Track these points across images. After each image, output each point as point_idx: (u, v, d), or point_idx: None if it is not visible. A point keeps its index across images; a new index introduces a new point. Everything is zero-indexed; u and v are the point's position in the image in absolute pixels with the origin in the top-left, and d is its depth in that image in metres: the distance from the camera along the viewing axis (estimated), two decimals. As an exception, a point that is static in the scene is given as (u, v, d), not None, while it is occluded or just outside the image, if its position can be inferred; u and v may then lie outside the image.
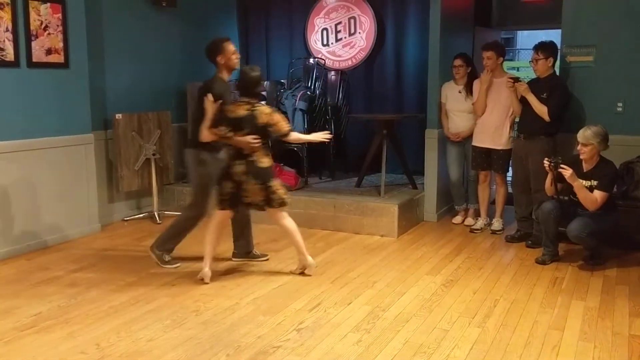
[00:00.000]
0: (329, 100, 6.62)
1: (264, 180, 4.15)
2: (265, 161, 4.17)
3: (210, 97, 4.18)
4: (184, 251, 4.68)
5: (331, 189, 6.13)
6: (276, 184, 4.20)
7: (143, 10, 6.10)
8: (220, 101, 4.19)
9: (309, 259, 4.41)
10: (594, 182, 4.46)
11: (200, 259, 4.34)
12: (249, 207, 4.32)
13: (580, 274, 4.46)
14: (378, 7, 6.79)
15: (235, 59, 4.39)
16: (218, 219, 4.29)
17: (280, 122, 4.15)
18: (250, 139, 4.06)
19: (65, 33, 5.12)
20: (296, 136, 4.38)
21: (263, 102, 4.16)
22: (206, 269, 4.25)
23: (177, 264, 4.56)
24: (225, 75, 4.38)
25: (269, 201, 4.20)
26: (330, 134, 4.48)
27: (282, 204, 4.23)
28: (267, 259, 4.76)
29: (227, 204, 4.22)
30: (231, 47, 4.37)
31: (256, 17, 7.47)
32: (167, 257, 4.56)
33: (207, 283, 4.21)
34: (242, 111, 4.09)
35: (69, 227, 5.30)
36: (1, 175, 4.73)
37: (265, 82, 6.77)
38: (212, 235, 4.29)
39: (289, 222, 4.34)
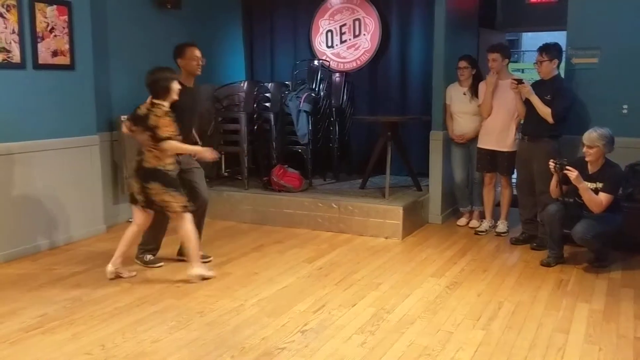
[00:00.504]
0: (333, 102, 6.62)
1: (143, 180, 4.17)
2: (151, 162, 4.14)
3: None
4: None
5: (335, 191, 6.14)
6: (155, 188, 4.13)
7: (148, 12, 6.12)
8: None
9: (198, 270, 4.32)
10: (599, 185, 4.45)
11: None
12: (131, 199, 4.30)
13: (585, 277, 4.45)
14: (383, 9, 6.80)
15: (195, 64, 4.42)
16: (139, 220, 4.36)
17: (162, 128, 4.04)
18: (144, 135, 4.10)
19: (71, 35, 5.14)
20: (174, 145, 4.11)
21: (165, 106, 4.11)
22: (110, 266, 4.32)
23: (160, 263, 4.62)
24: (185, 79, 4.40)
25: (149, 203, 4.21)
26: (220, 154, 4.39)
27: (162, 208, 4.20)
28: (160, 266, 4.66)
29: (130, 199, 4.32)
30: (193, 52, 4.40)
31: (261, 19, 7.48)
32: (148, 257, 4.61)
33: (111, 279, 4.27)
34: (143, 110, 4.15)
35: (74, 229, 5.31)
36: (7, 176, 4.75)
37: (270, 84, 6.78)
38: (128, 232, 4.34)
39: (183, 227, 4.24)
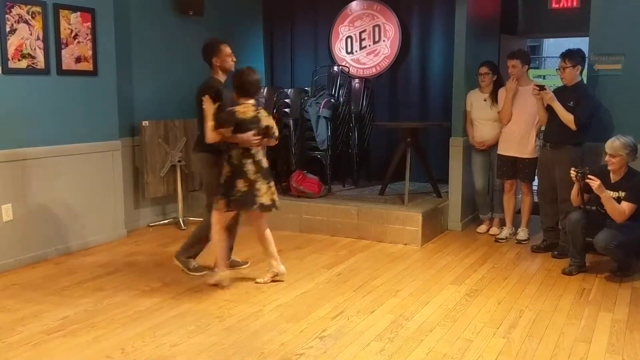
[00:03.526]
0: (352, 108, 6.62)
1: (269, 180, 4.21)
2: (266, 161, 4.24)
3: (207, 98, 4.19)
4: (204, 258, 4.72)
5: (355, 197, 6.13)
6: (273, 185, 4.26)
7: (170, 19, 6.19)
8: (219, 102, 4.21)
9: (281, 266, 4.40)
10: (622, 194, 4.39)
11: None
12: (261, 208, 4.23)
13: (608, 286, 4.39)
14: (403, 15, 6.79)
15: (231, 61, 4.43)
16: (224, 222, 4.29)
17: (275, 127, 4.27)
18: (251, 134, 4.09)
19: (94, 41, 5.22)
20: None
21: (257, 106, 4.23)
22: (226, 271, 4.30)
23: (203, 271, 4.55)
24: (220, 77, 4.42)
25: (274, 202, 4.23)
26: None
27: (272, 205, 4.25)
28: (247, 266, 4.73)
29: (238, 204, 4.19)
30: (227, 49, 4.41)
31: (281, 25, 7.52)
32: (192, 264, 4.59)
33: (225, 286, 4.23)
34: (250, 112, 4.14)
35: (95, 233, 5.37)
36: (30, 181, 4.82)
37: (290, 90, 6.81)
38: (223, 238, 4.30)
39: (267, 228, 4.34)
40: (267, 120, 4.20)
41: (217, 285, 4.26)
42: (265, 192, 4.18)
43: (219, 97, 4.21)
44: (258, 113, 4.17)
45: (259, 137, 4.14)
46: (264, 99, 6.60)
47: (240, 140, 4.11)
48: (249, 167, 4.13)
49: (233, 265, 4.66)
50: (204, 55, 4.44)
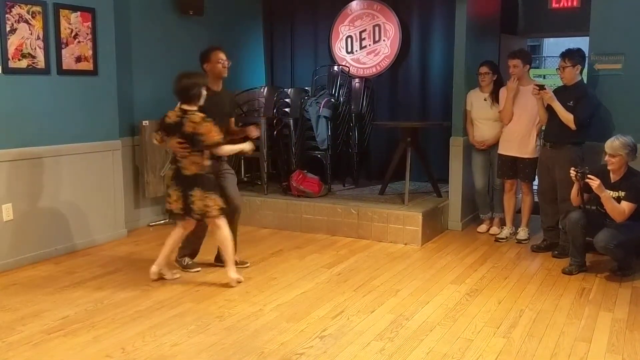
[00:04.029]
0: (353, 107, 6.63)
1: (184, 188, 4.14)
2: (191, 169, 4.14)
3: None
4: (200, 257, 4.73)
5: (355, 197, 6.13)
6: (197, 194, 4.13)
7: (170, 18, 6.19)
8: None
9: (234, 274, 4.33)
10: (622, 193, 4.39)
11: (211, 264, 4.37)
12: (169, 214, 4.27)
13: (608, 285, 4.39)
14: (403, 15, 6.79)
15: (221, 66, 4.43)
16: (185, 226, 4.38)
17: (209, 133, 4.04)
18: (174, 142, 4.10)
19: (94, 41, 5.22)
20: (227, 148, 4.23)
21: (194, 112, 4.09)
22: (154, 267, 4.38)
23: (197, 268, 4.62)
24: (212, 83, 4.43)
25: (188, 210, 4.18)
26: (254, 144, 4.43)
27: (202, 216, 4.19)
28: (198, 271, 4.67)
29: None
30: (218, 55, 4.42)
31: (281, 25, 7.52)
32: (186, 261, 4.63)
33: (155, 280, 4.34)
34: (174, 117, 4.13)
35: (95, 232, 5.37)
36: (31, 180, 4.82)
37: (290, 90, 6.81)
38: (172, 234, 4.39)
39: (221, 232, 4.28)
40: (193, 126, 4.03)
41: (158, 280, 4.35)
42: (176, 200, 4.17)
43: None
44: (182, 118, 4.07)
45: (182, 144, 4.08)
46: (264, 99, 6.61)
47: (170, 147, 4.19)
48: (169, 173, 4.24)
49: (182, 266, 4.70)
50: (199, 62, 4.51)
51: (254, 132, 4.51)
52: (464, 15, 5.67)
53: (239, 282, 4.33)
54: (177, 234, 4.39)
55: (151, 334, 3.49)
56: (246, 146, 4.38)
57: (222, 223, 4.26)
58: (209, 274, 4.56)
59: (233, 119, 4.79)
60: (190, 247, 4.67)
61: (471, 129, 5.75)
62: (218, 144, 4.11)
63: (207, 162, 4.20)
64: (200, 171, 4.16)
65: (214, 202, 4.18)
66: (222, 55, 4.45)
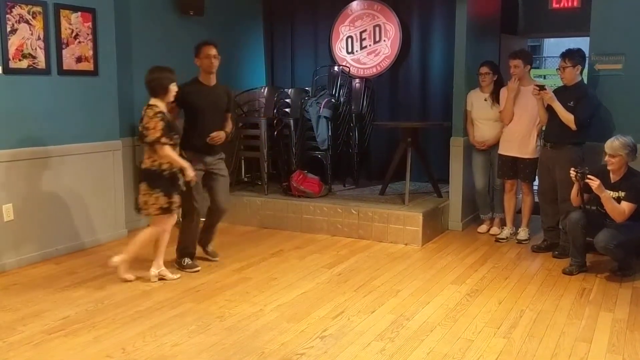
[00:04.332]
0: (353, 107, 6.63)
1: (140, 180, 4.25)
2: (145, 163, 4.21)
3: None
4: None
5: (355, 197, 6.13)
6: (142, 188, 4.20)
7: (171, 18, 6.19)
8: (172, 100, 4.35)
9: (153, 271, 4.39)
10: (622, 194, 4.39)
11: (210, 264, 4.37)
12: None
13: (609, 285, 4.39)
14: (403, 15, 6.79)
15: (208, 62, 4.47)
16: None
17: (149, 130, 4.08)
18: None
19: (95, 41, 5.22)
20: (166, 153, 4.13)
21: (158, 107, 4.14)
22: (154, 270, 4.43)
23: (197, 267, 4.66)
24: (203, 77, 4.53)
25: (137, 205, 4.28)
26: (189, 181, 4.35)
27: (139, 210, 4.27)
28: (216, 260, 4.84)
29: None
30: (207, 50, 4.46)
31: (282, 25, 7.52)
32: (185, 261, 4.66)
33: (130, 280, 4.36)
34: (143, 111, 4.21)
35: (96, 232, 5.38)
36: (31, 181, 4.82)
37: (290, 90, 6.81)
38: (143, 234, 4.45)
39: (145, 232, 4.35)
40: (146, 121, 4.11)
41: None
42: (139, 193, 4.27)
43: (176, 96, 4.34)
44: (144, 112, 4.18)
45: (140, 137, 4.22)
46: (265, 99, 6.61)
47: None
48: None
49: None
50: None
51: (188, 174, 4.28)
52: (464, 15, 5.67)
53: (126, 280, 4.35)
54: (147, 233, 4.40)
55: (152, 334, 3.50)
56: (189, 170, 4.26)
57: (165, 224, 4.31)
58: (210, 274, 4.57)
59: (229, 115, 4.80)
60: (188, 247, 4.70)
61: (471, 129, 5.75)
62: (157, 141, 4.08)
63: (163, 159, 4.16)
64: (151, 166, 4.18)
65: (156, 200, 4.18)
66: (210, 51, 4.47)
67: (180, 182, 4.28)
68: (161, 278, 4.39)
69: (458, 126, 5.86)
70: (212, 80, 4.58)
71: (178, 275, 4.48)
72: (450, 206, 5.99)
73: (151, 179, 4.19)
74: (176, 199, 4.25)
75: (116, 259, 4.33)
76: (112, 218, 5.55)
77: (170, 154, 4.16)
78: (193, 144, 4.52)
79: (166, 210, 4.23)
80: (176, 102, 4.48)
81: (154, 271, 4.39)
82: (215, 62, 4.50)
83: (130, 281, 4.38)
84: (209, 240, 4.91)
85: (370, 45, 7.00)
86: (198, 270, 4.62)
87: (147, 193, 4.19)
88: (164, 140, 4.09)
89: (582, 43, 5.61)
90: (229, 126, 4.76)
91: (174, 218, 4.39)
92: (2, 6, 4.51)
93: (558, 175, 4.94)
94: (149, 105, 4.16)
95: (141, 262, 4.49)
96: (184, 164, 4.25)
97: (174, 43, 6.17)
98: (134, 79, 5.84)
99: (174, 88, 4.19)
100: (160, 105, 4.16)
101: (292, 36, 7.48)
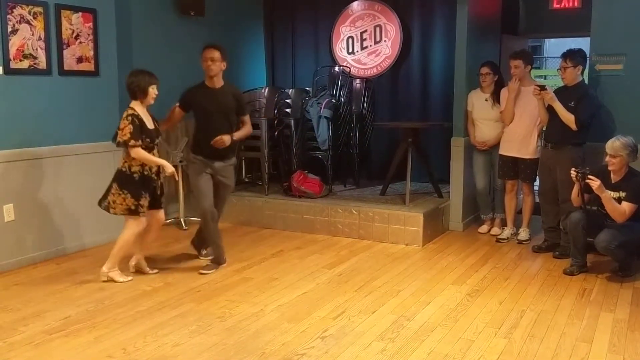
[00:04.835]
0: (354, 108, 6.63)
1: (113, 179, 4.32)
2: (119, 163, 4.32)
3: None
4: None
5: (356, 197, 6.13)
6: (113, 187, 4.27)
7: (172, 19, 6.20)
8: (178, 104, 4.59)
9: (108, 271, 4.42)
10: (623, 194, 4.39)
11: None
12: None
13: (609, 286, 4.39)
14: (404, 16, 6.79)
15: (205, 65, 4.47)
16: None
17: (120, 131, 4.19)
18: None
19: (95, 42, 5.22)
20: (139, 154, 4.20)
21: (134, 109, 4.23)
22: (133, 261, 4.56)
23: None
24: (207, 80, 4.55)
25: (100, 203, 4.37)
26: (175, 177, 4.47)
27: (106, 209, 4.32)
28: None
29: None
30: (205, 53, 4.48)
31: (282, 26, 7.53)
32: (204, 252, 4.90)
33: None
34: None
35: (97, 233, 5.37)
36: (32, 181, 4.83)
37: (291, 90, 6.81)
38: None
39: (125, 231, 4.38)
40: (121, 122, 4.24)
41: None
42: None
43: (180, 100, 4.58)
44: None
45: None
46: (265, 99, 6.60)
47: None
48: None
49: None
50: None
51: (168, 171, 4.34)
52: (465, 15, 5.68)
53: (108, 280, 4.39)
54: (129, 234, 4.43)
55: (152, 334, 3.50)
56: (166, 165, 4.31)
57: (131, 224, 4.35)
58: (210, 275, 4.56)
59: (244, 117, 4.71)
60: (204, 242, 4.84)
61: (472, 129, 5.74)
62: (124, 143, 4.17)
63: (135, 161, 4.23)
64: (122, 167, 4.27)
65: (123, 201, 4.25)
66: (208, 54, 4.45)
67: (158, 182, 4.40)
68: (109, 279, 4.40)
69: (459, 126, 5.86)
70: (217, 83, 4.54)
71: (129, 278, 4.46)
72: (451, 206, 5.99)
73: (120, 180, 4.28)
74: (144, 202, 4.29)
75: (105, 271, 4.41)
76: (113, 218, 5.50)
77: (142, 154, 4.22)
78: (201, 149, 4.52)
79: (133, 212, 4.28)
80: (181, 106, 4.56)
81: (104, 270, 4.42)
82: (213, 66, 4.45)
83: (131, 280, 4.40)
84: (203, 244, 4.91)
85: (370, 45, 7.00)
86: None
87: (116, 193, 4.27)
88: (132, 142, 4.16)
89: (582, 43, 5.61)
90: (245, 130, 4.70)
91: (142, 221, 4.38)
92: (3, 6, 4.51)
93: (559, 175, 4.94)
94: (127, 108, 4.25)
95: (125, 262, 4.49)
96: (160, 161, 4.32)
97: (174, 43, 6.18)
98: (135, 79, 5.85)
99: (153, 91, 4.27)
100: (137, 108, 4.25)
101: (293, 36, 7.48)
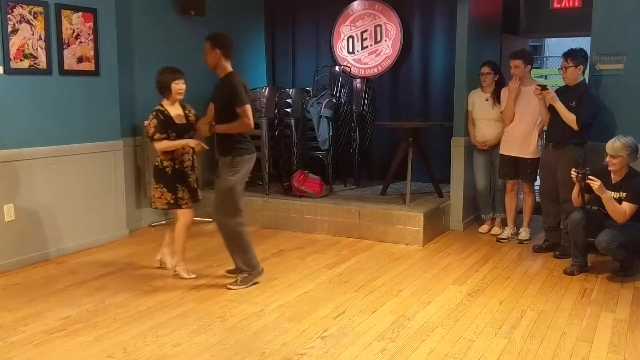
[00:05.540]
0: (354, 107, 6.63)
1: (151, 175, 4.46)
2: (157, 160, 4.39)
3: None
4: (213, 257, 4.72)
5: (356, 197, 6.13)
6: (153, 183, 4.41)
7: (172, 18, 6.20)
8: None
9: (173, 263, 4.52)
10: (623, 194, 4.39)
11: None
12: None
13: (610, 285, 4.38)
14: (404, 15, 6.79)
15: (203, 56, 4.37)
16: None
17: (148, 126, 4.30)
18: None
19: (96, 41, 5.22)
20: (160, 145, 4.27)
21: (161, 106, 4.32)
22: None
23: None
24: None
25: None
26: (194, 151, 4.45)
27: (151, 204, 4.52)
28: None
29: None
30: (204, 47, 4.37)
31: (283, 25, 7.53)
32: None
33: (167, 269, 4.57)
34: None
35: (97, 232, 5.38)
36: (32, 181, 4.83)
37: (291, 90, 6.81)
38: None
39: (177, 225, 4.48)
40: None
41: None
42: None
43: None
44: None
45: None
46: (266, 99, 6.61)
47: None
48: None
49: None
50: None
51: (192, 145, 4.36)
52: (465, 15, 5.67)
53: (175, 275, 4.49)
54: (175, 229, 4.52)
55: (153, 334, 3.50)
56: (190, 142, 4.34)
57: (180, 217, 4.42)
58: (210, 275, 4.56)
59: (241, 107, 4.14)
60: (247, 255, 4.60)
61: (473, 129, 5.74)
62: (151, 138, 4.29)
63: (164, 155, 4.31)
64: (156, 162, 4.38)
65: (160, 194, 4.35)
66: (204, 46, 4.27)
67: (193, 176, 4.45)
68: (176, 274, 4.49)
69: (459, 126, 5.86)
70: (220, 73, 4.30)
71: (193, 276, 4.48)
72: (451, 206, 5.98)
73: (156, 175, 4.40)
74: (182, 194, 4.37)
75: (173, 264, 4.53)
76: (114, 218, 5.55)
77: (163, 144, 4.29)
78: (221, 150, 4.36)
79: (173, 205, 4.38)
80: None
81: (172, 263, 4.56)
82: (206, 58, 4.23)
83: (194, 278, 4.46)
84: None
85: (371, 45, 7.00)
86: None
87: (154, 188, 4.40)
88: (157, 136, 4.25)
89: (583, 43, 5.60)
90: (234, 123, 4.17)
91: (188, 212, 4.44)
92: (3, 6, 4.51)
93: (560, 175, 4.94)
94: (158, 105, 4.36)
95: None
96: (182, 142, 4.34)
97: (175, 43, 6.18)
98: (135, 79, 5.85)
99: (176, 87, 4.31)
100: (165, 104, 4.34)
101: (293, 36, 7.49)
